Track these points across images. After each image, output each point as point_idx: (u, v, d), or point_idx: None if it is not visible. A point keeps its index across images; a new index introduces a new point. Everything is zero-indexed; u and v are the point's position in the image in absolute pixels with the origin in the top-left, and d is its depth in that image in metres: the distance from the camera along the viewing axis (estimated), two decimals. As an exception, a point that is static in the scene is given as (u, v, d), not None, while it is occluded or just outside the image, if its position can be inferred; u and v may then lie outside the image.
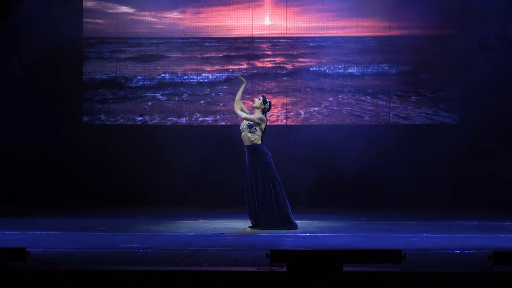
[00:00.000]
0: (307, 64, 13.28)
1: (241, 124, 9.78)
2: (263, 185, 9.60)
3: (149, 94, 13.38)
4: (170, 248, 7.94)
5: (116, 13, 13.41)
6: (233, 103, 9.97)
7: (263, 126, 9.69)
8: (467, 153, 12.71)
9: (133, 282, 6.05)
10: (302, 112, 13.21)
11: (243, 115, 9.74)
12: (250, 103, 10.18)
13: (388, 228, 9.83)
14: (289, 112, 13.16)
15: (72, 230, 9.64)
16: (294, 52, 13.31)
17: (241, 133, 9.73)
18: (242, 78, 9.97)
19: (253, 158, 9.66)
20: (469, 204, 12.46)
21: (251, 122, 9.63)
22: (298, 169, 12.72)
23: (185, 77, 13.36)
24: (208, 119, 13.25)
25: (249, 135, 9.63)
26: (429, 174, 12.90)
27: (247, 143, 9.67)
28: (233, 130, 12.77)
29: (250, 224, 9.75)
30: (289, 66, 13.31)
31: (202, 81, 13.33)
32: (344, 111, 13.20)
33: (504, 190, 12.41)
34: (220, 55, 13.33)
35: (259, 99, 9.81)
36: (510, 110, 12.82)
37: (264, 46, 13.33)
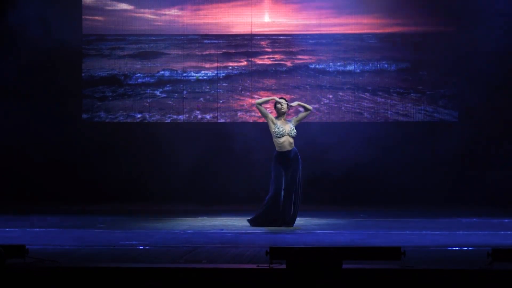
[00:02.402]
0: (307, 61, 13.27)
1: (283, 129, 9.72)
2: (299, 186, 9.73)
3: (148, 91, 13.37)
4: (170, 245, 7.94)
5: (115, 10, 13.40)
6: (254, 102, 9.94)
7: None
8: (466, 150, 12.71)
9: (133, 279, 6.05)
10: (302, 110, 13.17)
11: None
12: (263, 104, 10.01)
13: (388, 225, 9.83)
14: (289, 109, 13.13)
15: (72, 227, 9.65)
16: (294, 49, 13.30)
17: (281, 137, 9.69)
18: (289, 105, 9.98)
19: (294, 160, 9.72)
20: (468, 201, 12.46)
21: (295, 129, 9.76)
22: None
23: (185, 74, 13.35)
24: (208, 116, 13.24)
25: (291, 140, 9.75)
26: (428, 171, 12.90)
27: (287, 147, 9.71)
28: (232, 127, 12.81)
29: (249, 222, 9.79)
30: (289, 63, 13.30)
31: (201, 78, 13.32)
32: (343, 108, 13.19)
33: (504, 187, 12.41)
34: (220, 52, 13.32)
35: (285, 104, 9.85)
36: (509, 107, 12.82)
37: (264, 43, 13.32)
